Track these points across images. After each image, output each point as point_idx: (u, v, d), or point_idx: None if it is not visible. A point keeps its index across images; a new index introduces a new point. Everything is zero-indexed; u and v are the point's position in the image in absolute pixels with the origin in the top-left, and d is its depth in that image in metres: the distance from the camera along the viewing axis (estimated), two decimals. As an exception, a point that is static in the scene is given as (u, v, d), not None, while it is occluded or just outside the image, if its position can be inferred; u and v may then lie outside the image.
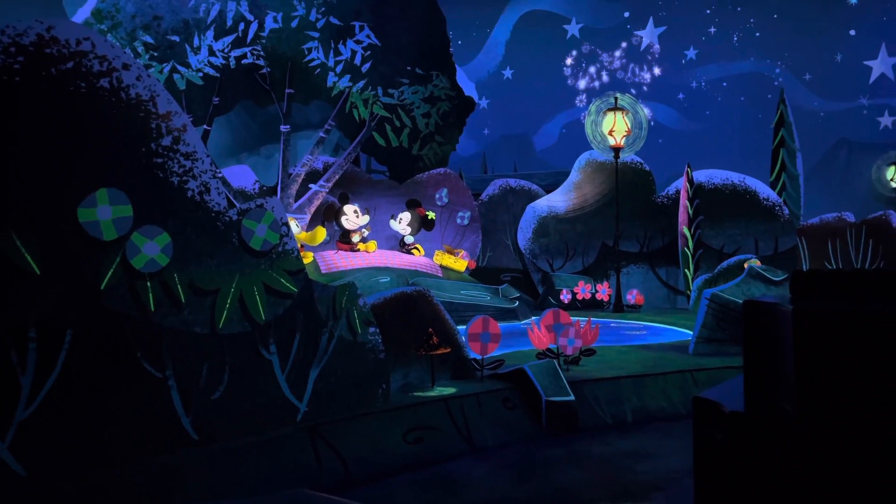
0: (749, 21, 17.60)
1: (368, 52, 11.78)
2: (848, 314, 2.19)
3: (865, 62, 16.79)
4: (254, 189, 11.67)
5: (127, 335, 4.09)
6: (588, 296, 12.32)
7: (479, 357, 6.33)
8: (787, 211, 12.79)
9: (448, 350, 6.16)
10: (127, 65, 4.30)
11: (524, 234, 13.44)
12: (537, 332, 6.92)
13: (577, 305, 12.12)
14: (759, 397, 2.42)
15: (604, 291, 12.35)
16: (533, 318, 9.06)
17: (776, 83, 16.78)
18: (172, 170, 4.47)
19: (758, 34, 17.54)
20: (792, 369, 2.20)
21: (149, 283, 4.25)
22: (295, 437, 4.78)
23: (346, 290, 5.28)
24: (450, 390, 5.82)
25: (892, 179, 15.52)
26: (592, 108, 12.33)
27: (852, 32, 16.86)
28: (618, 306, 12.03)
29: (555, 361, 6.40)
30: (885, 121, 16.54)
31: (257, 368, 4.75)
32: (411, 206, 12.31)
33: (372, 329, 5.41)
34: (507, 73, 19.37)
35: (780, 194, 13.33)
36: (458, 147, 13.95)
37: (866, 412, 2.12)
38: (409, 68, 12.15)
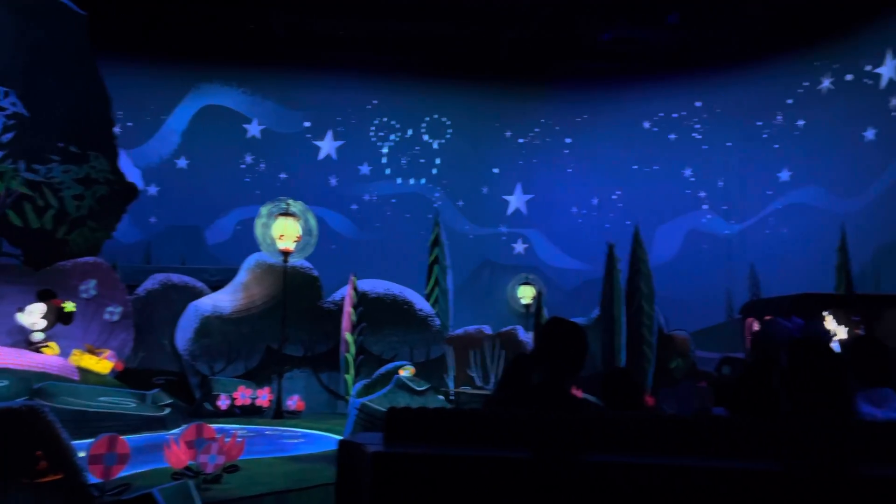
0: (415, 148, 19.68)
1: (13, 122, 10.38)
2: (421, 457, 2.36)
3: (504, 196, 19.78)
4: None
5: None
6: (248, 401, 11.85)
7: (100, 482, 5.56)
8: (438, 322, 14.04)
9: (60, 476, 5.30)
10: None
11: (184, 333, 12.59)
12: (175, 449, 6.36)
13: (235, 412, 11.57)
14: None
15: (264, 397, 12.01)
16: (172, 432, 8.36)
17: (435, 205, 18.79)
18: None
19: (422, 160, 19.66)
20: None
21: None
22: None
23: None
24: (55, 526, 4.96)
25: (522, 297, 18.10)
26: (264, 210, 12.38)
27: (496, 170, 19.85)
28: (278, 412, 11.77)
29: (190, 482, 5.91)
30: (519, 247, 19.49)
31: None
32: (44, 296, 10.72)
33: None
34: (182, 162, 18.65)
35: (433, 306, 14.66)
36: (118, 235, 12.77)
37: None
38: (61, 145, 10.95)
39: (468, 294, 17.80)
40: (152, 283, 13.29)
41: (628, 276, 14.07)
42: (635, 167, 19.50)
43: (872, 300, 11.97)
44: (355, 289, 12.98)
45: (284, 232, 12.21)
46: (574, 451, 2.76)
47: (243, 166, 19.03)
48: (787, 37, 17.00)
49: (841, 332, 10.77)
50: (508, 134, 19.98)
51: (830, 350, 2.60)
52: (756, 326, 11.89)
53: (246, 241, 14.01)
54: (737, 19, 16.68)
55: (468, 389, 13.19)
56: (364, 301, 13.15)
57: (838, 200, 16.70)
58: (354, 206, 19.04)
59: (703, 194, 19.20)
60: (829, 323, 10.75)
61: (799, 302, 10.96)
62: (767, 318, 11.65)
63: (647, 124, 19.51)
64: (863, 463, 2.39)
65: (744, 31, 17.17)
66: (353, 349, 12.71)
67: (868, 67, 16.05)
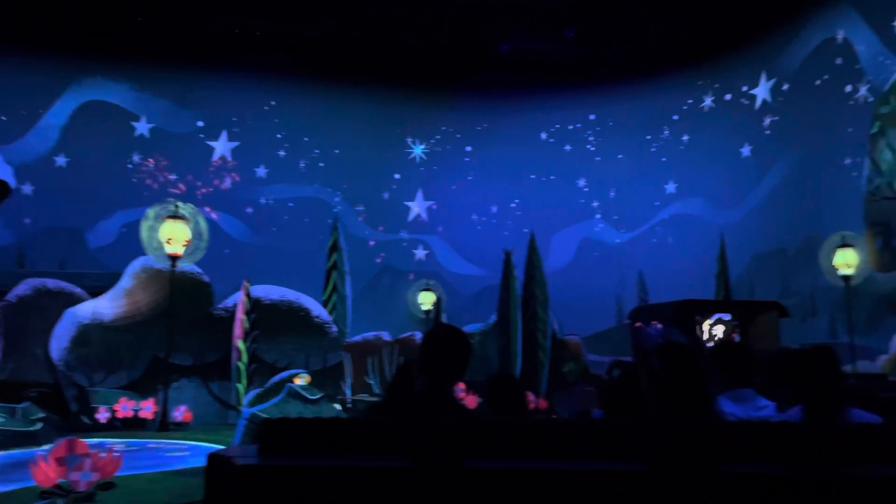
0: (315, 151, 19.34)
1: None
2: (295, 469, 2.28)
3: (406, 202, 19.78)
4: None
5: None
6: (130, 413, 11.24)
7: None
8: (335, 328, 13.83)
9: None
10: None
11: (59, 342, 11.76)
12: (43, 467, 5.90)
13: (116, 424, 10.93)
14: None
15: (148, 408, 11.41)
16: (44, 448, 7.79)
17: (335, 210, 18.53)
18: None
19: (321, 164, 19.34)
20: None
21: None
22: None
23: None
24: None
25: (422, 303, 18.14)
26: (151, 212, 11.79)
27: (397, 176, 19.83)
28: (163, 424, 11.22)
29: (60, 501, 5.51)
30: (420, 253, 19.53)
31: None
32: None
33: None
34: (61, 160, 17.46)
35: (330, 313, 14.42)
36: (-16, 236, 11.80)
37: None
38: (-82, 137, 9.99)
39: (367, 300, 17.66)
40: (25, 288, 12.35)
41: (524, 282, 14.38)
42: (533, 176, 20.00)
43: (747, 305, 12.76)
44: (248, 295, 12.58)
45: (172, 235, 11.67)
46: (455, 457, 2.74)
47: (130, 166, 18.06)
48: (674, 57, 17.95)
49: (718, 336, 11.42)
50: (410, 140, 20.02)
51: (693, 354, 2.72)
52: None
53: (131, 245, 13.27)
54: (629, 38, 17.47)
55: (366, 397, 13.05)
56: (258, 307, 12.76)
57: (718, 212, 17.76)
58: (250, 210, 18.48)
59: (596, 204, 19.94)
60: (707, 327, 11.37)
61: (681, 307, 11.53)
62: (636, 325, 12.23)
63: (544, 135, 20.07)
64: (723, 460, 2.50)
65: (635, 50, 17.99)
66: (245, 357, 12.30)
67: (745, 88, 17.19)
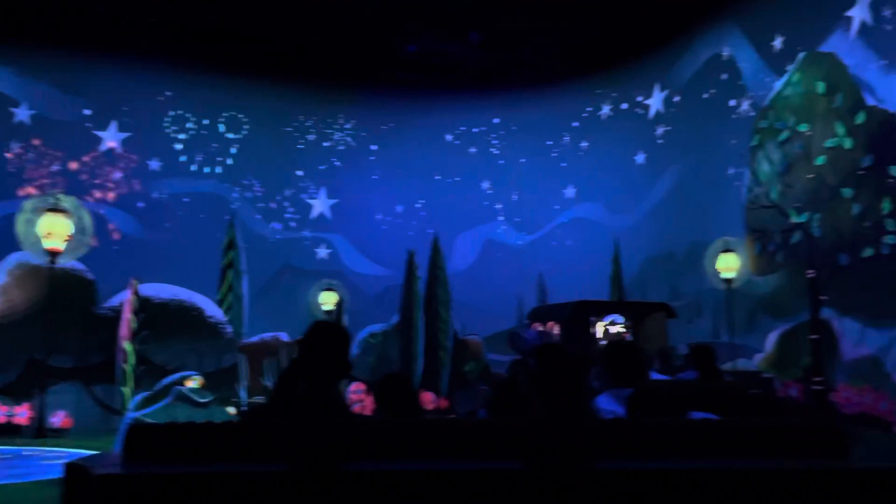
0: (213, 145, 18.64)
1: None
2: (160, 478, 2.15)
3: (309, 200, 19.40)
4: None
5: None
6: (3, 419, 10.45)
7: None
8: (230, 329, 13.37)
9: None
10: None
11: (-81, 344, 10.79)
12: None
13: (-16, 433, 10.12)
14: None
15: (23, 413, 10.66)
16: None
17: (233, 206, 17.94)
18: None
19: (220, 158, 18.67)
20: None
21: None
22: None
23: None
24: None
25: (323, 303, 17.85)
26: (28, 205, 11.03)
27: (300, 173, 19.42)
28: (40, 431, 10.50)
29: None
30: (322, 252, 19.19)
31: None
32: None
33: None
34: (-72, 147, 16.04)
35: (226, 313, 13.93)
36: None
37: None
38: None
39: (266, 300, 17.19)
40: None
41: (427, 282, 14.42)
42: (438, 177, 20.09)
43: (638, 306, 13.29)
44: (137, 293, 11.96)
45: (52, 229, 10.94)
46: (334, 460, 2.68)
47: (9, 155, 16.78)
48: (575, 65, 18.50)
49: (612, 335, 11.83)
50: (313, 137, 19.64)
51: (569, 354, 2.79)
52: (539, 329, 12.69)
53: (5, 239, 12.33)
54: (532, 45, 17.86)
55: (262, 400, 12.68)
56: (147, 307, 12.16)
57: (614, 216, 18.46)
58: (141, 204, 17.57)
59: (499, 206, 20.26)
60: (600, 327, 11.77)
61: (576, 307, 11.88)
62: (512, 330, 12.58)
63: (449, 137, 20.21)
64: (599, 458, 2.56)
65: (538, 57, 18.42)
66: (132, 359, 11.69)
67: (640, 98, 17.95)
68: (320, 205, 19.38)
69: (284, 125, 19.23)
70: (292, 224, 19.19)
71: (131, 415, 7.48)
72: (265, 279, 18.15)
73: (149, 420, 7.36)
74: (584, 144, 19.37)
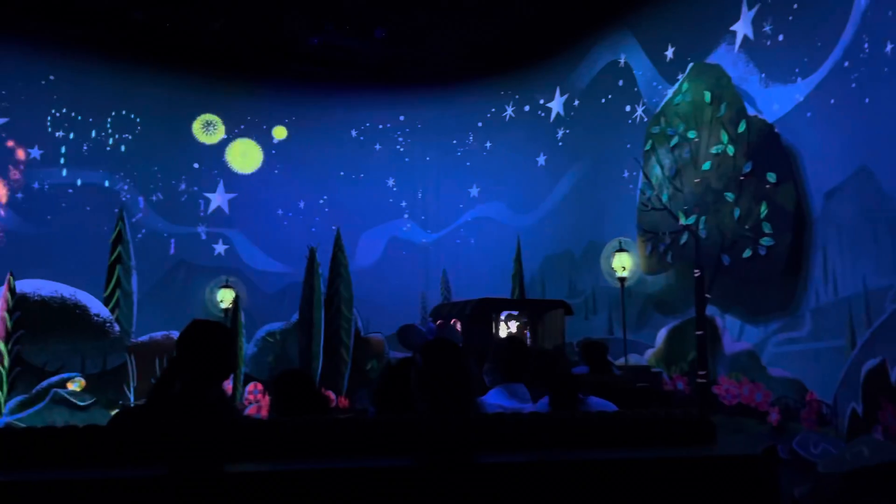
0: (101, 134, 17.61)
1: None
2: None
3: (205, 194, 18.66)
4: None
5: None
6: None
7: None
8: (118, 328, 12.69)
9: None
10: None
11: None
12: None
13: None
14: None
15: None
16: None
17: (123, 199, 17.03)
18: None
19: (108, 149, 17.65)
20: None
21: None
22: None
23: None
24: None
25: (221, 301, 17.25)
26: None
27: (195, 165, 18.64)
28: None
29: None
30: (219, 248, 18.50)
31: None
32: None
33: None
34: None
35: (113, 311, 13.21)
36: None
37: None
38: None
39: (159, 298, 16.42)
40: None
41: (328, 280, 14.20)
42: (342, 173, 19.82)
43: (537, 304, 13.63)
44: (12, 290, 11.15)
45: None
46: (213, 462, 2.57)
47: None
48: (480, 66, 18.72)
49: (511, 332, 12.07)
50: (211, 129, 18.92)
51: (457, 351, 2.79)
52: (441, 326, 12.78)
53: None
54: (438, 44, 17.93)
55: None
56: (24, 304, 11.36)
57: (516, 216, 18.83)
58: (20, 195, 16.37)
59: (404, 203, 20.23)
60: (501, 324, 11.98)
61: (477, 305, 12.03)
62: (404, 325, 12.67)
63: (354, 132, 19.98)
64: (484, 452, 2.57)
65: (444, 56, 18.50)
66: (7, 361, 10.86)
67: (542, 101, 18.38)
68: (217, 199, 18.69)
69: (180, 115, 18.41)
70: (187, 219, 18.40)
71: (4, 419, 6.93)
72: (158, 276, 17.34)
73: (22, 425, 6.85)
74: (489, 144, 19.64)
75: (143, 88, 17.66)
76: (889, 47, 9.21)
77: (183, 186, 18.44)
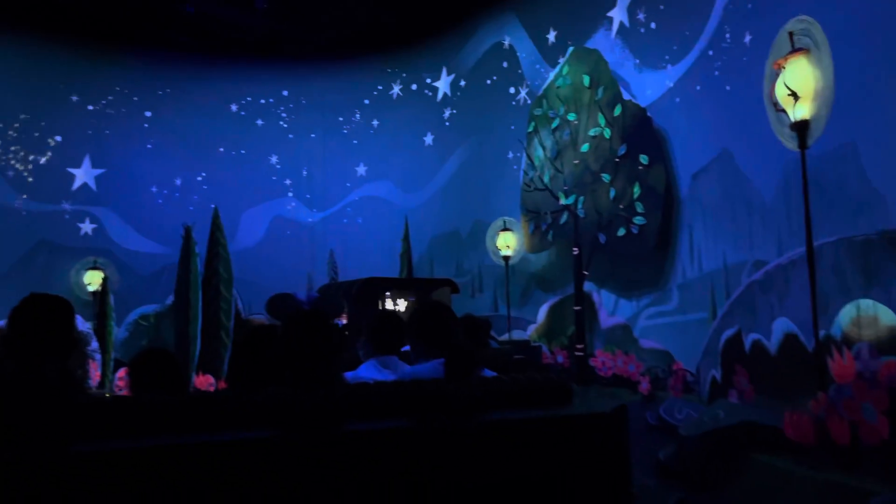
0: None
1: None
2: None
3: (69, 169, 17.35)
4: None
5: None
6: None
7: None
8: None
9: None
10: None
11: None
12: None
13: None
14: None
15: None
16: None
17: (-27, 173, 15.56)
18: None
19: (-44, 118, 16.05)
20: None
21: None
22: None
23: None
24: None
25: (88, 283, 16.19)
26: None
27: (58, 138, 17.27)
28: None
29: None
30: (87, 227, 17.29)
31: None
32: None
33: None
34: None
35: (-39, 294, 12.05)
36: None
37: None
38: None
39: (18, 280, 15.17)
40: None
41: (206, 260, 13.62)
42: (222, 149, 19.02)
43: (425, 283, 13.69)
44: None
45: None
46: (55, 441, 2.39)
47: None
48: (366, 43, 18.45)
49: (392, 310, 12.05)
50: (75, 98, 17.56)
51: (326, 323, 2.72)
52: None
53: None
54: (322, 18, 17.47)
55: None
56: None
57: (404, 195, 18.81)
58: None
59: (288, 182, 19.70)
60: (388, 302, 11.95)
61: (364, 284, 11.94)
62: (282, 293, 12.49)
63: (234, 107, 19.19)
64: (350, 421, 2.54)
65: (329, 31, 18.07)
66: None
67: (429, 80, 18.38)
68: (83, 175, 17.43)
69: (40, 85, 16.96)
70: (49, 195, 17.05)
71: None
72: (16, 257, 16.03)
73: None
74: (376, 123, 19.46)
75: (1, 56, 16.12)
76: (748, 38, 9.86)
77: (43, 161, 17.04)
